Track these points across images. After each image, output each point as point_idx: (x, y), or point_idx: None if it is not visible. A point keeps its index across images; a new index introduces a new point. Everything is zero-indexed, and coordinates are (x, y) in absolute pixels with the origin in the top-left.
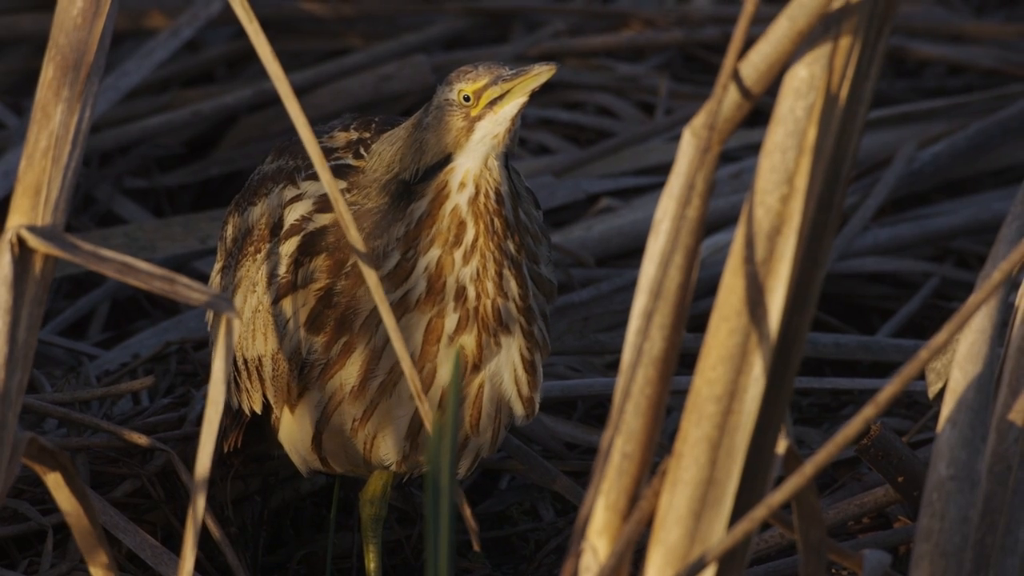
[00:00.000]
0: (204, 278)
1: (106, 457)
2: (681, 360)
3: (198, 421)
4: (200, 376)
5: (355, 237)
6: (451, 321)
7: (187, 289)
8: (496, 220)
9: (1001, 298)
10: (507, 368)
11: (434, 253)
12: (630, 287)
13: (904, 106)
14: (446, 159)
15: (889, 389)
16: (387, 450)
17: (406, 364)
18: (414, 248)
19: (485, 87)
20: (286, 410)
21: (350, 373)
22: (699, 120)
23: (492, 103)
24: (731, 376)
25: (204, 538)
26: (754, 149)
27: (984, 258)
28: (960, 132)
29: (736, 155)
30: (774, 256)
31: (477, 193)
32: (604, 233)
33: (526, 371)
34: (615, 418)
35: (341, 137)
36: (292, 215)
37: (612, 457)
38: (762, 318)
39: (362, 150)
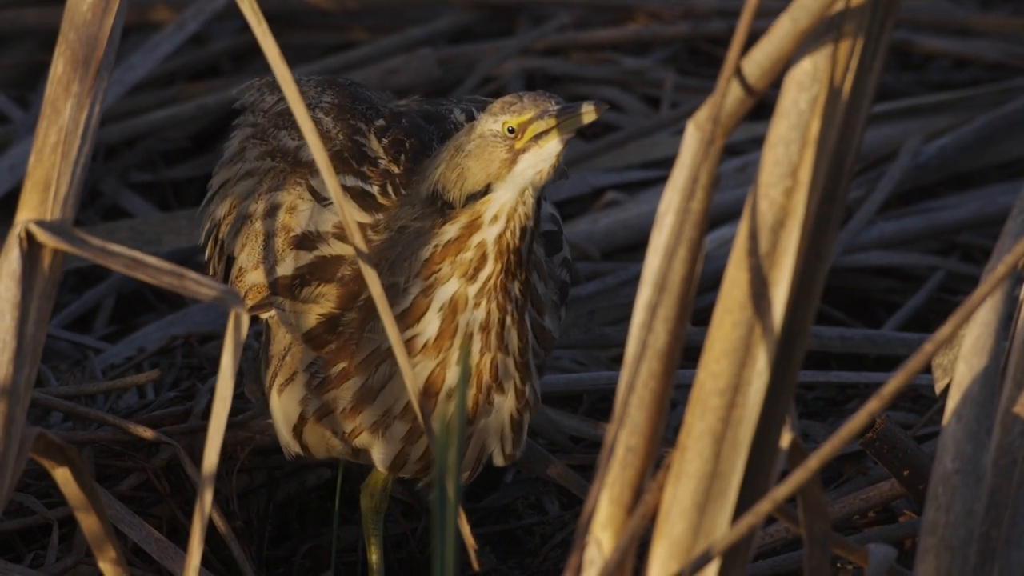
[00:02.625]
0: None
1: (112, 451)
2: (685, 354)
3: (204, 415)
4: (206, 370)
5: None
6: (453, 374)
7: (196, 284)
8: (512, 257)
9: (1006, 292)
10: (494, 428)
11: (452, 286)
12: (635, 280)
13: (909, 100)
14: (485, 189)
15: (894, 383)
16: (376, 459)
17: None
18: (435, 275)
19: (531, 120)
20: (274, 391)
21: (344, 396)
22: (703, 113)
23: (537, 137)
24: (735, 369)
25: (210, 532)
26: (759, 143)
27: (990, 252)
28: (966, 126)
29: (741, 149)
30: (778, 249)
31: (505, 228)
32: (610, 226)
33: (512, 431)
34: (619, 412)
35: (375, 146)
36: (306, 222)
37: (616, 451)
38: (766, 311)
39: (390, 188)
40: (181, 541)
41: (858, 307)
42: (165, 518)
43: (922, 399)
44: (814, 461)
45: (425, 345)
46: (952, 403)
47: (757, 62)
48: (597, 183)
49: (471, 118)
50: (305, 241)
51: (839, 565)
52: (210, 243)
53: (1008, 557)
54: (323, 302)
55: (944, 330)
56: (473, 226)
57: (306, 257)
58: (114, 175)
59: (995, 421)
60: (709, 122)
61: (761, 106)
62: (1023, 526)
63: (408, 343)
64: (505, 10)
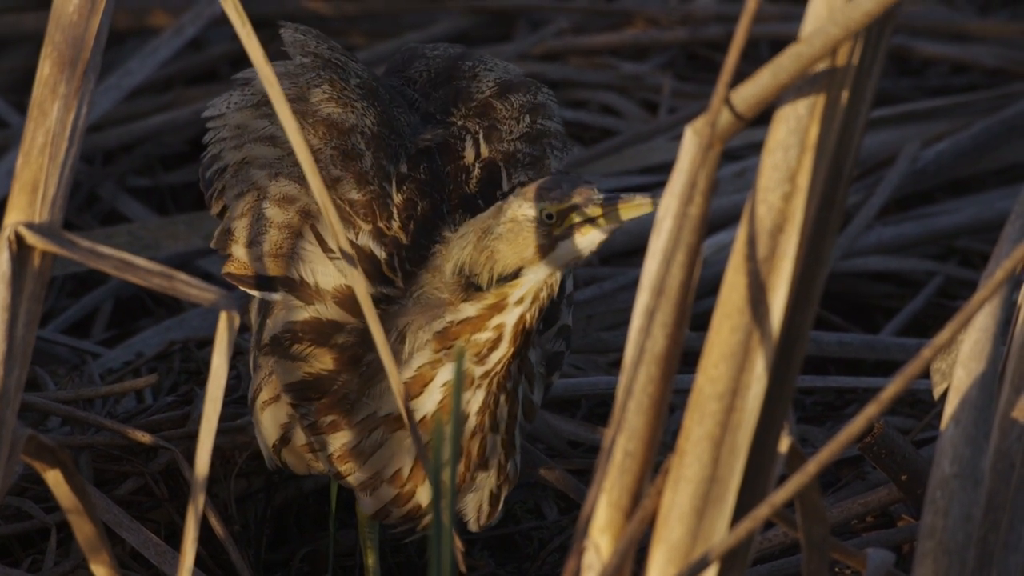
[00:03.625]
0: (208, 276)
1: (110, 455)
2: (684, 359)
3: (202, 419)
4: (204, 374)
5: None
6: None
7: (185, 285)
8: (523, 338)
9: (1004, 296)
10: (472, 504)
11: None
12: (633, 285)
13: (908, 105)
14: (516, 272)
15: (892, 387)
16: (361, 506)
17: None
18: (445, 351)
19: (571, 208)
20: (257, 406)
21: (334, 444)
22: (701, 119)
23: (578, 224)
24: (733, 374)
25: (208, 536)
26: (758, 148)
27: (988, 257)
28: (964, 131)
29: (739, 154)
30: (776, 254)
31: (528, 311)
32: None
33: (490, 505)
34: (617, 416)
35: (397, 198)
36: (305, 268)
37: (615, 455)
38: (764, 316)
39: (396, 260)
40: (179, 545)
41: (856, 312)
42: (163, 522)
43: (920, 404)
44: (812, 466)
45: (422, 420)
46: (950, 408)
47: (744, 97)
48: None
49: (476, 146)
50: (301, 292)
51: (837, 570)
52: (212, 175)
53: (1006, 561)
54: (314, 362)
55: (942, 335)
56: (496, 307)
57: (301, 313)
58: (112, 180)
59: (993, 425)
60: (707, 127)
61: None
62: (1021, 530)
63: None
64: (503, 15)
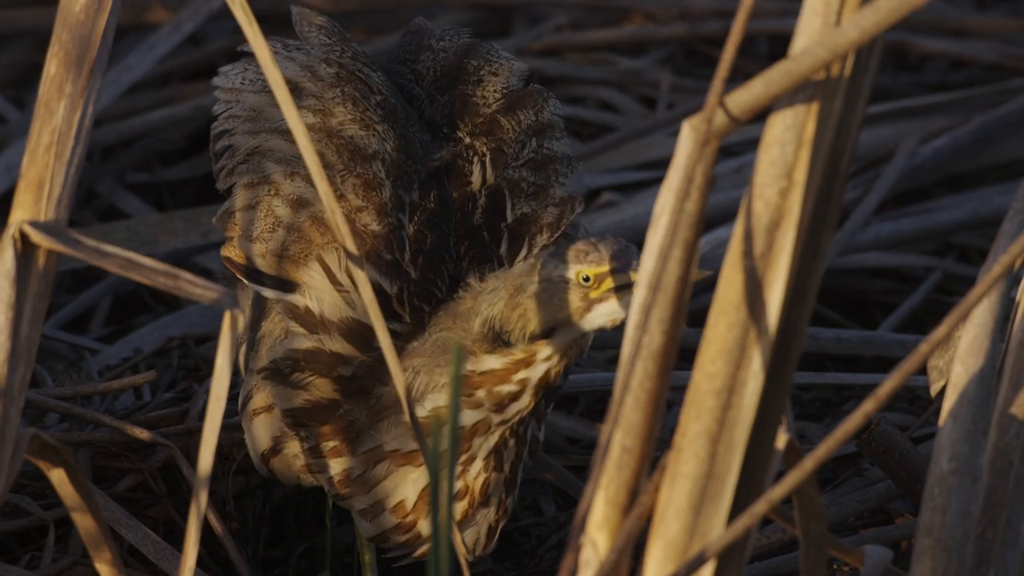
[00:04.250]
0: (206, 272)
1: (108, 452)
2: (681, 355)
3: (200, 416)
4: (202, 371)
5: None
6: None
7: (190, 285)
8: (544, 391)
9: (1003, 293)
10: (470, 536)
11: (478, 414)
12: None
13: (906, 101)
14: (549, 331)
15: (889, 383)
16: (358, 528)
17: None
18: (463, 399)
19: (610, 272)
20: (247, 413)
21: (334, 468)
22: (698, 116)
23: (617, 288)
24: (730, 370)
25: (206, 533)
26: (755, 144)
27: (986, 253)
28: (962, 127)
29: (737, 150)
30: (773, 250)
31: (555, 367)
32: (606, 228)
33: (487, 538)
34: (614, 412)
35: (409, 229)
36: (309, 300)
37: (612, 451)
38: (761, 312)
39: (405, 295)
40: (177, 542)
41: (854, 308)
42: (161, 519)
43: (918, 400)
44: (810, 462)
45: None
46: (948, 404)
47: (738, 102)
48: (593, 184)
49: (483, 170)
50: (305, 320)
51: (835, 567)
52: (222, 150)
53: (1004, 558)
54: (314, 391)
55: (940, 330)
56: (523, 363)
57: (304, 342)
58: (110, 176)
59: (991, 422)
60: (704, 124)
61: None
62: (1019, 527)
63: (411, 455)
64: (501, 11)
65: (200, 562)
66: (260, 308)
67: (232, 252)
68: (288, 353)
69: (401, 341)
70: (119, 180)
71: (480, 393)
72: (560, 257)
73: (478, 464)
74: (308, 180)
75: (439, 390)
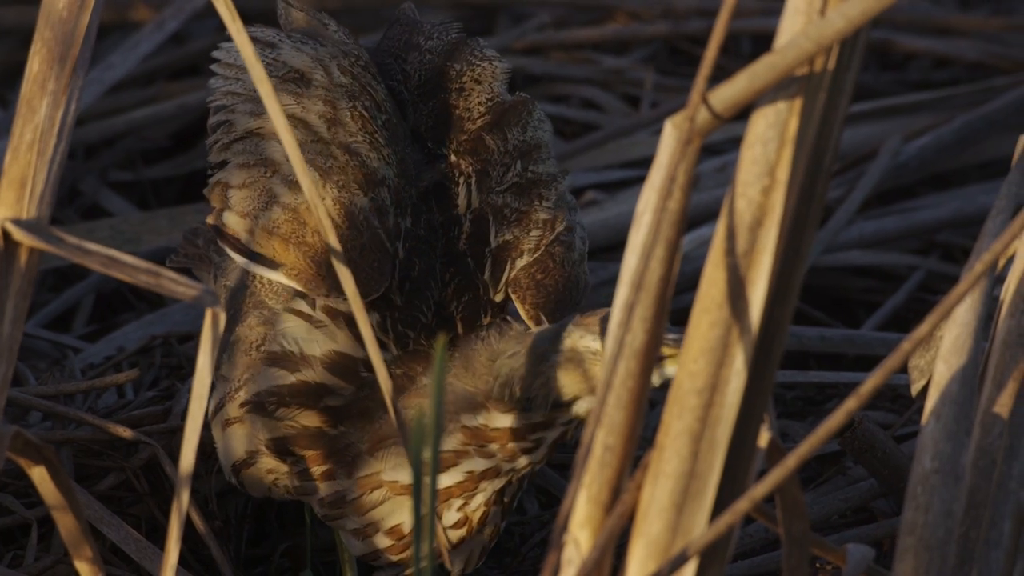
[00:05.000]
0: (188, 271)
1: (90, 450)
2: None
3: (183, 414)
4: (185, 369)
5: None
6: (448, 518)
7: (172, 283)
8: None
9: (986, 291)
10: (461, 555)
11: (490, 463)
12: (614, 280)
13: (889, 99)
14: (573, 399)
15: (871, 381)
16: (345, 544)
17: None
18: (475, 446)
19: None
20: (217, 423)
21: (324, 489)
22: (681, 114)
23: None
24: (713, 369)
25: (188, 531)
26: (738, 142)
27: (969, 251)
28: (945, 125)
29: (720, 148)
30: (756, 248)
31: (572, 428)
32: (589, 226)
33: (479, 557)
34: (597, 411)
35: (400, 253)
36: (285, 340)
37: (594, 450)
38: (744, 311)
39: (388, 323)
40: (159, 541)
41: (837, 307)
42: (144, 518)
43: (901, 399)
44: (792, 460)
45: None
46: (931, 403)
47: (722, 98)
48: (577, 182)
49: (468, 193)
50: (284, 361)
51: (818, 565)
52: (217, 124)
53: (987, 557)
54: (301, 420)
55: (922, 328)
56: (541, 425)
57: (287, 378)
58: (94, 174)
59: (974, 421)
60: (687, 122)
61: None
62: (1002, 526)
63: (410, 486)
64: (484, 10)
65: (182, 560)
66: (236, 306)
67: (228, 228)
68: (273, 390)
69: (392, 368)
70: (102, 179)
71: (493, 446)
72: (586, 327)
73: (480, 498)
74: (313, 166)
75: (450, 433)
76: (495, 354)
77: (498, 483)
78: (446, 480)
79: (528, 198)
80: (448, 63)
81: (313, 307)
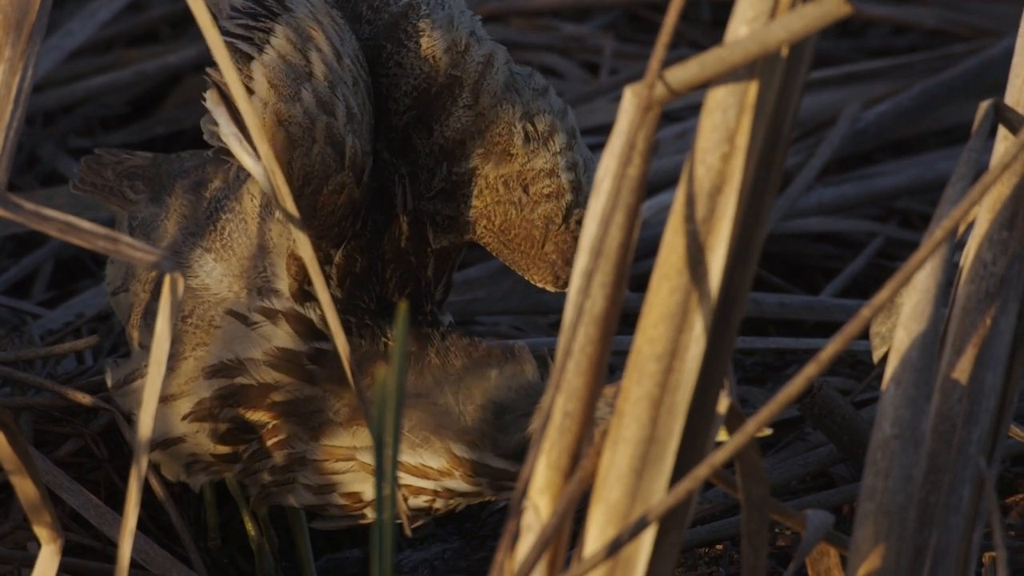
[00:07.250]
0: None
1: (49, 416)
2: (623, 319)
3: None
4: None
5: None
6: (415, 502)
7: (130, 248)
8: None
9: (945, 258)
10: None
11: (474, 487)
12: None
13: (848, 66)
14: None
15: (831, 347)
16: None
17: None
18: (463, 472)
19: None
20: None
21: (278, 457)
22: (641, 82)
23: None
24: (672, 335)
25: (148, 497)
26: (698, 109)
27: (928, 218)
28: (904, 92)
29: (680, 115)
30: (715, 215)
31: None
32: None
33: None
34: (556, 377)
35: (337, 258)
36: (220, 350)
37: (554, 416)
38: (703, 277)
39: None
40: (119, 507)
41: (797, 273)
42: (103, 484)
43: (861, 365)
44: (752, 425)
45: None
46: (891, 369)
47: (679, 78)
48: None
49: (404, 195)
50: (223, 371)
51: (777, 531)
52: None
53: (947, 522)
54: (248, 416)
55: (882, 295)
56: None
57: (229, 386)
58: (52, 141)
59: (934, 387)
60: (646, 89)
61: None
62: (961, 492)
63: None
64: None
65: (141, 526)
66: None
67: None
68: (216, 393)
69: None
70: (61, 145)
71: (481, 479)
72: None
73: (452, 504)
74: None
75: (438, 454)
76: (500, 390)
77: (475, 500)
78: (424, 484)
79: (455, 202)
80: (383, 42)
81: (248, 309)
